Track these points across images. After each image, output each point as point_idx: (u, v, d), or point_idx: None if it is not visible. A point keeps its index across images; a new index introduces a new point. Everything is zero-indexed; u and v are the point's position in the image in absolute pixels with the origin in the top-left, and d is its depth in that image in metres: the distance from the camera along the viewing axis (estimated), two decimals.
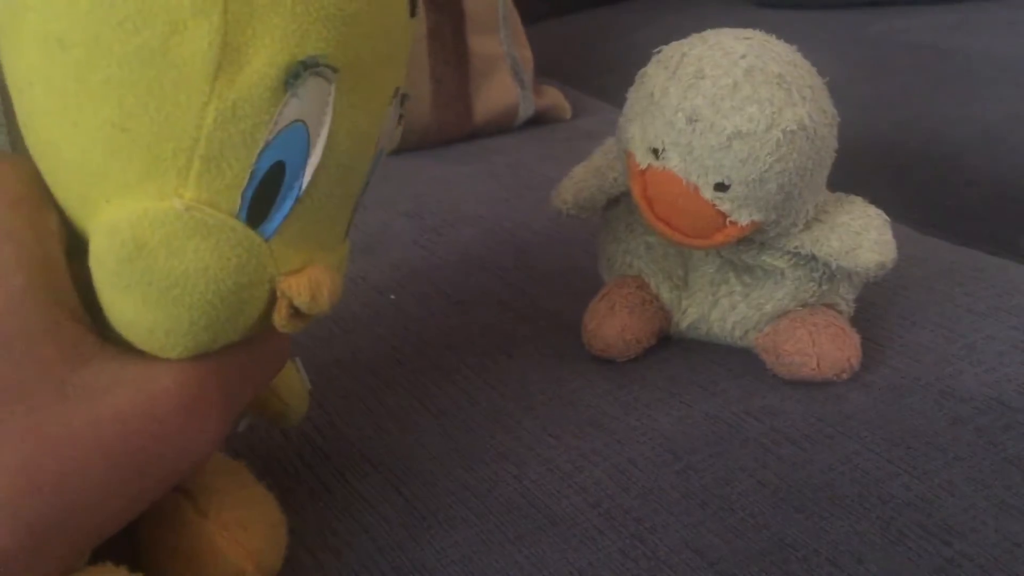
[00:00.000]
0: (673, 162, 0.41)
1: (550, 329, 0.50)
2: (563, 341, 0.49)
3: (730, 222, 0.41)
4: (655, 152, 0.42)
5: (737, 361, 0.46)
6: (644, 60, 0.43)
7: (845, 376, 0.44)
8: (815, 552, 0.35)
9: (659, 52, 0.43)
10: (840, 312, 0.46)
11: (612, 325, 0.46)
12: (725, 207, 0.41)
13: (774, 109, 0.39)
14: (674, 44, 0.43)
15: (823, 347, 0.44)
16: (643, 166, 0.42)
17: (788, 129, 0.39)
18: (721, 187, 0.41)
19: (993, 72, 0.81)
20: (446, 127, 0.78)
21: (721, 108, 0.40)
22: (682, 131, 0.40)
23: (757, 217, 0.41)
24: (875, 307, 0.49)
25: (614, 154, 0.48)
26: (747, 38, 0.41)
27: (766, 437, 0.41)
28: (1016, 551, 0.35)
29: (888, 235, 0.43)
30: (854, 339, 0.45)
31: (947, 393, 0.43)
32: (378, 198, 0.68)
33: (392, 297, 0.54)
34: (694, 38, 0.42)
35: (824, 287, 0.45)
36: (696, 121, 0.40)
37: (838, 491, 0.38)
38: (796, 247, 0.44)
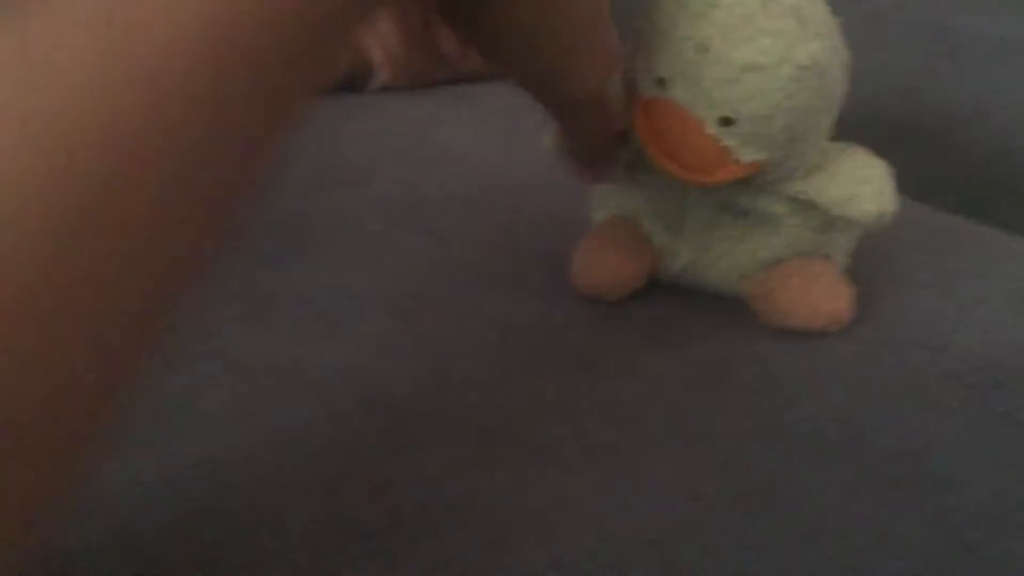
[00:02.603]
0: (678, 93, 0.40)
1: (535, 267, 0.49)
2: (548, 279, 0.47)
3: (733, 160, 0.40)
4: (660, 82, 0.40)
5: (728, 308, 0.45)
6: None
7: (837, 328, 0.43)
8: (805, 493, 0.34)
9: None
10: (836, 263, 0.45)
11: (601, 263, 0.45)
12: (729, 143, 0.40)
13: (788, 43, 0.38)
14: None
15: (816, 297, 0.43)
16: (647, 97, 0.41)
17: (800, 64, 0.38)
18: (727, 122, 0.39)
19: (986, 49, 0.81)
20: (438, 70, 0.75)
21: (733, 39, 0.38)
22: (690, 61, 0.39)
23: (761, 156, 0.40)
24: (868, 267, 0.48)
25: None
26: None
27: (755, 382, 0.40)
28: (1006, 503, 0.34)
29: (889, 186, 0.42)
30: (848, 291, 0.43)
31: (939, 350, 0.42)
32: (366, 133, 0.66)
33: (374, 228, 0.53)
34: None
35: (821, 236, 0.44)
36: (706, 51, 0.39)
37: (825, 438, 0.37)
38: (796, 192, 0.42)
